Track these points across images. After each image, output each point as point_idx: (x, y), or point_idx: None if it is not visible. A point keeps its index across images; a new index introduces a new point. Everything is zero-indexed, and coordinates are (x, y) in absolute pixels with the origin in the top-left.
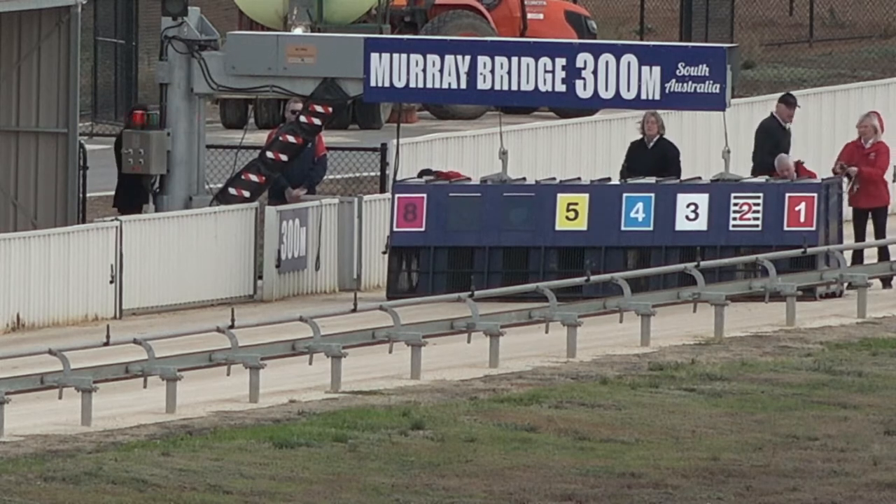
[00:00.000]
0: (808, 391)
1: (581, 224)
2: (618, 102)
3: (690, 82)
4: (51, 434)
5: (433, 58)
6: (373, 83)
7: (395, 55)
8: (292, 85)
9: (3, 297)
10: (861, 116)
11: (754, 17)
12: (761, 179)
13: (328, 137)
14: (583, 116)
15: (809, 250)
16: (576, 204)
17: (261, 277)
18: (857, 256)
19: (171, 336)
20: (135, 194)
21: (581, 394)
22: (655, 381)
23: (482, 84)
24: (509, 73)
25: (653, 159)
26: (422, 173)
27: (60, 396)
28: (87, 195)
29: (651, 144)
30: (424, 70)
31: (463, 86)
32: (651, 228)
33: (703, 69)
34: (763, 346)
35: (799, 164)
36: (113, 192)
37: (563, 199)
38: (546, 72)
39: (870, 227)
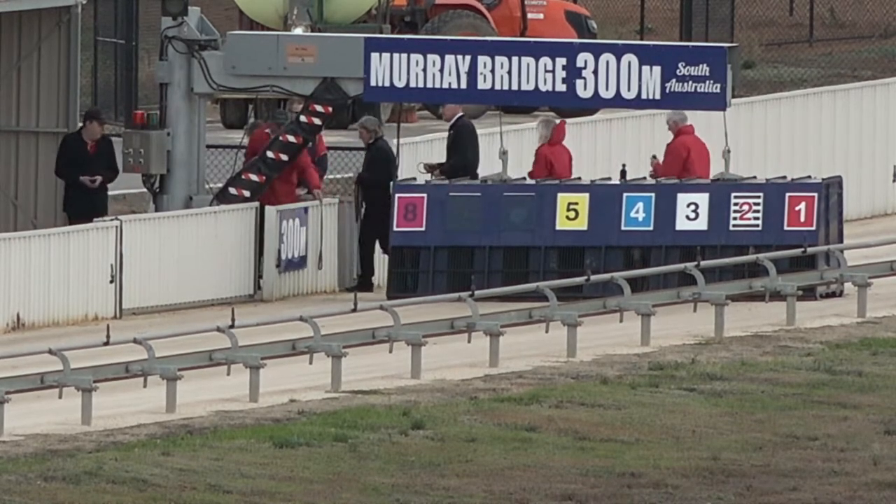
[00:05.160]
0: (808, 391)
1: (581, 224)
2: (618, 102)
3: (691, 82)
4: (51, 434)
5: (433, 58)
6: (373, 83)
7: (395, 55)
8: (292, 85)
9: (3, 297)
10: (678, 115)
11: (754, 17)
12: (761, 179)
13: (328, 137)
14: (583, 116)
15: (809, 250)
16: (576, 204)
17: (261, 277)
18: None
19: (171, 336)
20: (87, 202)
21: (581, 394)
22: (655, 381)
23: (482, 84)
24: (509, 72)
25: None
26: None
27: (60, 396)
28: None
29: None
30: (424, 70)
31: (463, 86)
32: (651, 228)
33: (704, 69)
34: (763, 345)
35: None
36: (112, 193)
37: (563, 198)
38: (546, 71)
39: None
